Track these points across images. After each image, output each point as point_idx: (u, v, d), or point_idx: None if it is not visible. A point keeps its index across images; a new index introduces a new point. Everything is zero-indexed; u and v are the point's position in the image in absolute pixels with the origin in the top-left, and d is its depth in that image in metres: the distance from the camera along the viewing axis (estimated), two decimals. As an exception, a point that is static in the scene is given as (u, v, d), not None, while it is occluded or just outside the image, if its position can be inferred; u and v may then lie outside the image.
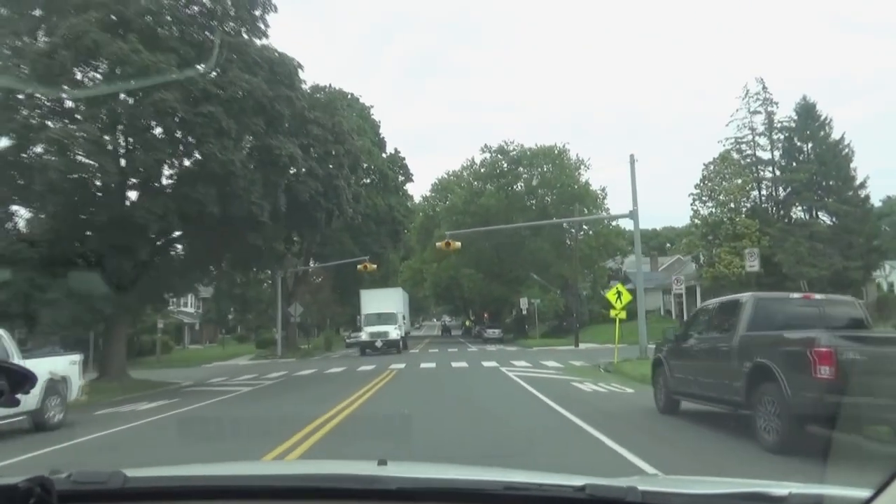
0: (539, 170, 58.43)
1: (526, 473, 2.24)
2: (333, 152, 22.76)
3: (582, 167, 58.95)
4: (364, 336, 41.61)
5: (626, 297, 26.85)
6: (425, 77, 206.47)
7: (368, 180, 48.74)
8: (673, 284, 43.76)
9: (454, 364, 28.49)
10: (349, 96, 45.99)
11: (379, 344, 39.78)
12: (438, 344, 58.87)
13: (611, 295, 27.17)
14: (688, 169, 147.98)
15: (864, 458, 6.75)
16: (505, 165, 59.58)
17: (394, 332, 40.70)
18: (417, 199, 62.81)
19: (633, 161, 26.73)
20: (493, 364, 27.71)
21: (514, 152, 59.23)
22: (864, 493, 1.47)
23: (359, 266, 39.66)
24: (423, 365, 28.56)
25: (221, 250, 23.87)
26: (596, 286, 64.18)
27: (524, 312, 51.73)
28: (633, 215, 26.73)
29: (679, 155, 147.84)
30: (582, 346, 42.85)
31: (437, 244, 32.71)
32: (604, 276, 65.55)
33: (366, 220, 47.61)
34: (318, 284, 53.47)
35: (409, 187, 53.45)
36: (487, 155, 59.98)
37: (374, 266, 39.73)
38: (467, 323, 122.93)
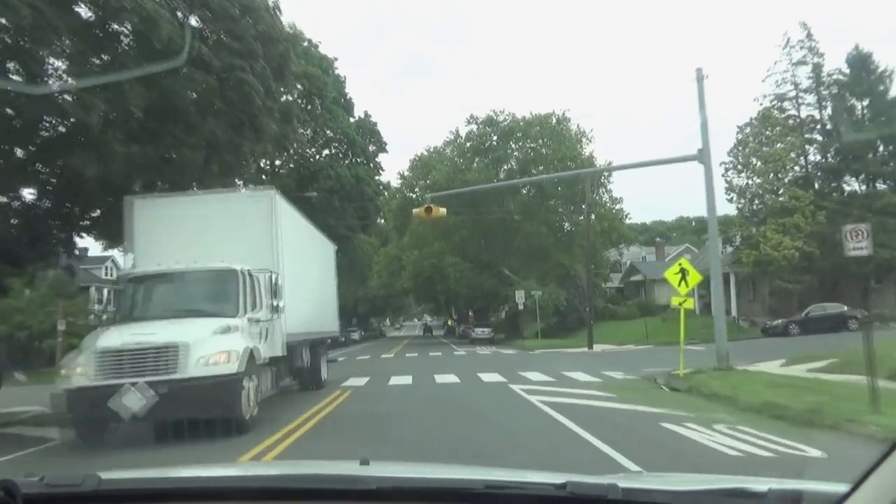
0: (535, 143, 49.46)
1: (507, 472, 2.26)
2: (243, 37, 13.42)
3: (584, 139, 50.15)
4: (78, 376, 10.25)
5: (695, 278, 17.90)
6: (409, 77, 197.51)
7: (332, 151, 39.42)
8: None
9: (439, 377, 19.38)
10: (305, 43, 36.54)
11: (129, 412, 9.79)
12: (419, 345, 49.70)
13: (671, 275, 18.15)
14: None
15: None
16: (495, 139, 50.55)
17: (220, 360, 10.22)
18: (394, 180, 53.40)
19: (700, 77, 17.80)
20: (496, 377, 18.69)
21: (505, 122, 50.25)
22: (842, 488, 1.41)
23: (416, 210, 30.38)
24: (393, 380, 19.41)
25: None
26: (598, 279, 55.37)
27: (521, 307, 42.71)
28: (702, 156, 17.77)
29: (667, 149, 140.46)
30: (596, 347, 33.96)
31: (415, 211, 23.26)
32: (605, 268, 56.86)
33: (328, 195, 38.36)
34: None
35: (383, 160, 44.14)
36: (474, 127, 51.00)
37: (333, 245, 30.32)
38: (450, 322, 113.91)
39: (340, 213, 37.86)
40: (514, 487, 1.81)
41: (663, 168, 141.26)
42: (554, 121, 49.36)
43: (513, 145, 50.95)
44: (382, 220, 72.36)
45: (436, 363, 26.75)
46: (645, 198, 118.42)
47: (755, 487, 1.68)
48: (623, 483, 1.71)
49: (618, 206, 52.22)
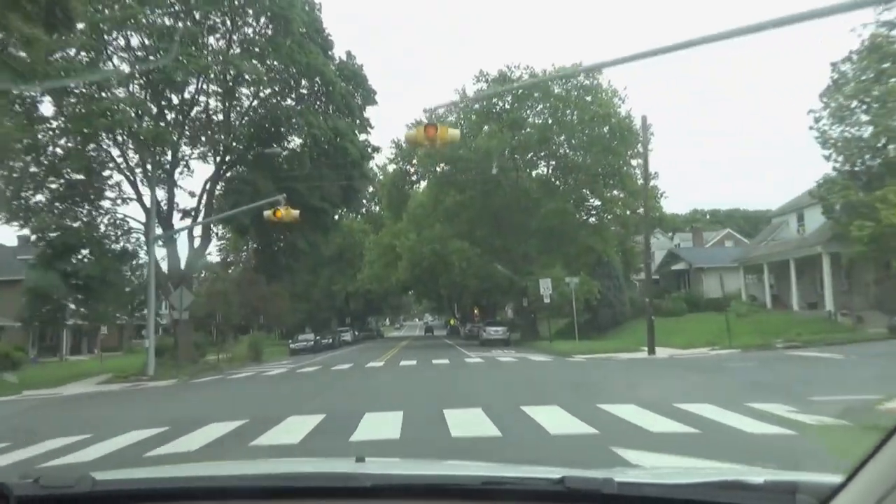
0: (559, 102, 39.99)
1: (504, 467, 2.22)
2: None
3: (616, 99, 40.66)
4: None
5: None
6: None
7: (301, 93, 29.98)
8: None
9: (456, 418, 9.91)
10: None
11: None
12: (419, 348, 40.34)
13: None
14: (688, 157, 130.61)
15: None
16: (509, 99, 41.13)
17: None
18: (386, 149, 43.67)
19: None
20: (565, 419, 9.31)
21: (522, 79, 40.78)
22: (837, 479, 1.39)
23: (267, 212, 20.90)
24: (360, 433, 9.95)
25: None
26: (628, 270, 46.03)
27: (547, 300, 33.29)
28: None
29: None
30: (658, 351, 24.61)
31: (409, 134, 13.78)
32: (636, 259, 47.48)
33: (295, 153, 29.00)
34: (239, 269, 34.78)
35: (371, 115, 34.38)
36: (483, 85, 41.55)
37: (295, 213, 20.84)
38: (452, 321, 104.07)
39: (313, 178, 28.41)
40: (511, 483, 1.79)
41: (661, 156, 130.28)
42: (581, 74, 39.87)
43: (531, 107, 41.47)
44: (375, 202, 63.03)
45: (443, 380, 17.32)
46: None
47: (751, 479, 1.65)
48: (619, 477, 1.67)
49: (653, 183, 42.70)
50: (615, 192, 42.30)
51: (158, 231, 27.98)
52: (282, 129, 28.19)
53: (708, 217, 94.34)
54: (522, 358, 25.60)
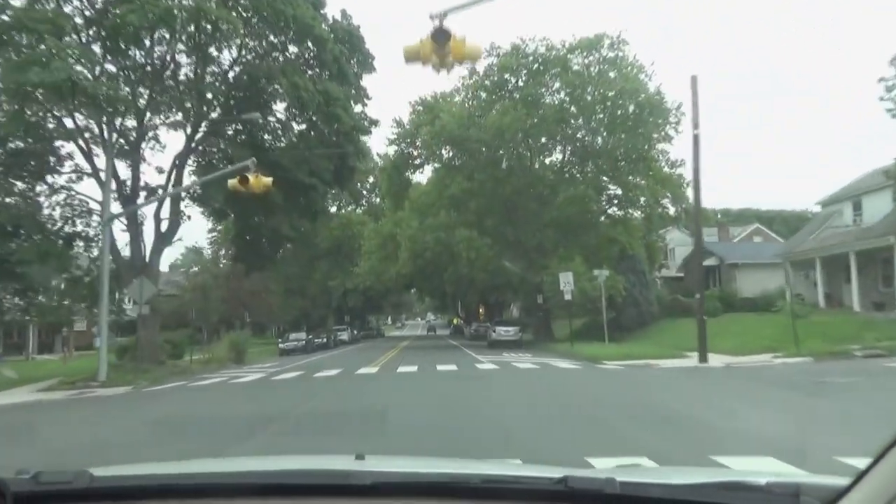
0: (579, 77, 35.59)
1: (505, 466, 2.20)
2: None
3: (642, 76, 36.21)
4: None
5: None
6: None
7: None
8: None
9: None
10: None
11: None
12: (421, 349, 36.07)
13: None
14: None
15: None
16: (523, 74, 36.75)
17: None
18: (386, 131, 39.23)
19: None
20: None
21: (538, 53, 36.44)
22: (842, 482, 1.37)
23: (232, 181, 16.51)
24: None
25: None
26: (650, 266, 41.60)
27: (567, 297, 28.94)
28: None
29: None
30: (716, 359, 20.20)
31: (407, 49, 9.04)
32: (658, 254, 43.15)
33: (281, 124, 24.69)
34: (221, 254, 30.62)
35: (368, 85, 30.01)
36: (494, 59, 37.21)
37: (267, 180, 16.51)
38: (455, 320, 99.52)
39: (300, 151, 23.99)
40: (512, 482, 1.77)
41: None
42: (606, 45, 35.48)
43: (548, 84, 37.07)
44: (376, 194, 58.67)
45: (453, 398, 12.86)
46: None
47: (753, 480, 1.63)
48: (621, 477, 1.63)
49: (678, 171, 38.32)
50: (639, 180, 37.86)
51: (118, 210, 23.69)
52: (263, 95, 23.78)
53: (718, 216, 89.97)
54: (544, 364, 21.22)
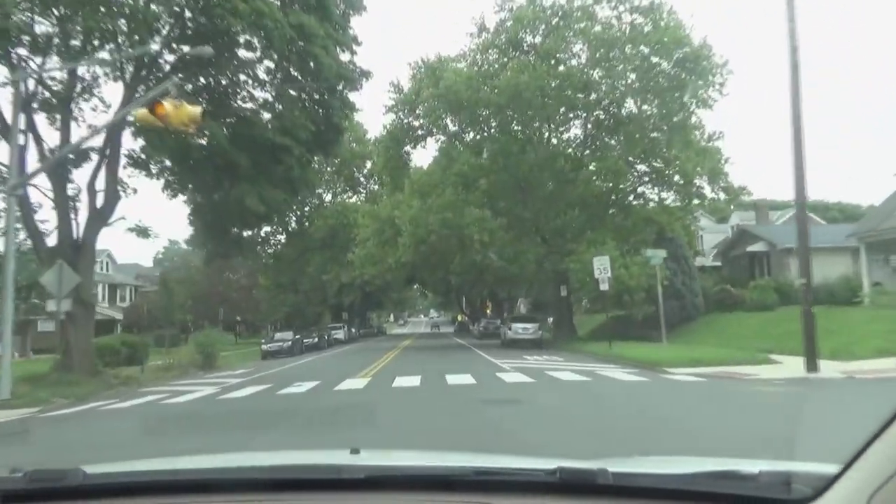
0: (608, 29, 30.03)
1: (498, 458, 2.16)
2: None
3: (682, 28, 30.55)
4: None
5: None
6: None
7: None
8: None
9: None
10: None
11: None
12: (424, 350, 30.75)
13: None
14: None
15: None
16: (541, 31, 31.19)
17: None
18: (381, 95, 33.53)
19: None
20: None
21: (558, 4, 30.88)
22: (832, 469, 1.38)
23: (134, 112, 11.15)
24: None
25: None
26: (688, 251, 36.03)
27: (604, 287, 23.51)
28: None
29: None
30: (827, 365, 14.64)
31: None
32: (694, 240, 37.51)
33: (244, 65, 19.17)
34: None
35: (357, 29, 24.44)
36: (505, 14, 31.69)
37: (194, 110, 11.15)
38: (460, 317, 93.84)
39: (268, 102, 18.47)
40: (506, 474, 1.76)
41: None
42: (640, -10, 29.88)
43: (569, 42, 31.51)
44: (375, 179, 53.21)
45: (489, 444, 7.40)
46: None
47: (746, 469, 1.62)
48: (613, 467, 1.64)
49: (716, 142, 32.72)
50: (675, 154, 32.28)
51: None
52: (223, 35, 18.15)
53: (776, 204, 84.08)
54: (591, 373, 15.69)
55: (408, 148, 32.04)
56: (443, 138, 33.59)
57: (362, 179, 57.84)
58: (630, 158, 32.45)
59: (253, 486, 1.74)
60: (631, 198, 32.32)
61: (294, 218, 57.30)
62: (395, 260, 30.45)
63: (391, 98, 32.32)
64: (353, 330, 59.38)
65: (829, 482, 1.35)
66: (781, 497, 1.47)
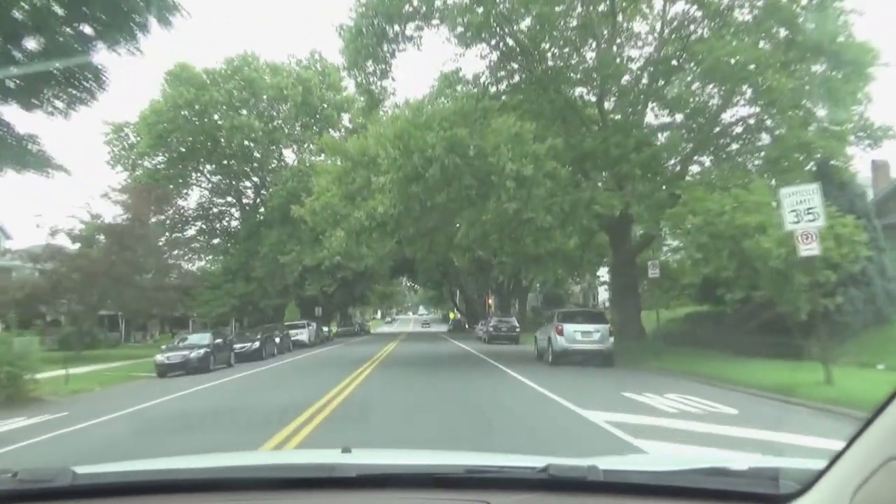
0: None
1: (489, 456, 2.16)
2: None
3: None
4: None
5: None
6: None
7: None
8: None
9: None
10: None
11: None
12: (413, 367, 17.98)
13: None
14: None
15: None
16: None
17: None
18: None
19: None
20: None
21: None
22: (819, 465, 1.39)
23: None
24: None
25: None
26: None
27: (811, 252, 10.86)
28: None
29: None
30: None
31: None
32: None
33: None
34: None
35: None
36: None
37: None
38: (453, 314, 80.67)
39: None
40: (496, 472, 1.75)
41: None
42: None
43: None
44: (356, 131, 40.23)
45: None
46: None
47: (735, 466, 1.64)
48: (603, 465, 1.63)
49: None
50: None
51: None
52: None
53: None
54: None
55: (396, 30, 18.89)
56: (448, 34, 20.42)
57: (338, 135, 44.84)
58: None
59: (244, 486, 1.70)
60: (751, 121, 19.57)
61: (251, 187, 44.48)
62: (368, 215, 17.44)
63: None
64: (326, 329, 46.59)
65: (815, 477, 1.36)
66: (769, 492, 1.46)
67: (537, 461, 1.66)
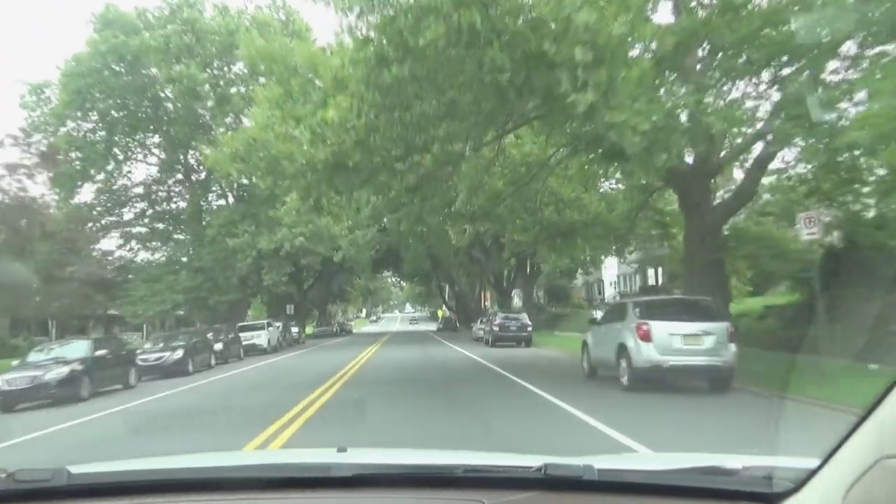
0: None
1: (486, 455, 2.11)
2: None
3: None
4: None
5: None
6: None
7: None
8: None
9: None
10: None
11: None
12: (403, 397, 10.36)
13: None
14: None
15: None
16: None
17: None
18: None
19: None
20: None
21: None
22: (812, 463, 1.37)
23: None
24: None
25: None
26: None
27: None
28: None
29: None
30: None
31: None
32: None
33: None
34: None
35: None
36: None
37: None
38: (441, 312, 73.12)
39: None
40: (492, 471, 1.73)
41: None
42: None
43: None
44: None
45: None
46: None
47: (729, 465, 1.63)
48: (599, 464, 1.61)
49: None
50: None
51: None
52: None
53: None
54: None
55: None
56: None
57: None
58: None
59: (239, 485, 1.67)
60: None
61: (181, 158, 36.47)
62: (313, 132, 10.02)
63: None
64: (296, 331, 38.91)
65: (808, 475, 1.35)
66: (763, 491, 1.45)
67: (533, 460, 1.63)
